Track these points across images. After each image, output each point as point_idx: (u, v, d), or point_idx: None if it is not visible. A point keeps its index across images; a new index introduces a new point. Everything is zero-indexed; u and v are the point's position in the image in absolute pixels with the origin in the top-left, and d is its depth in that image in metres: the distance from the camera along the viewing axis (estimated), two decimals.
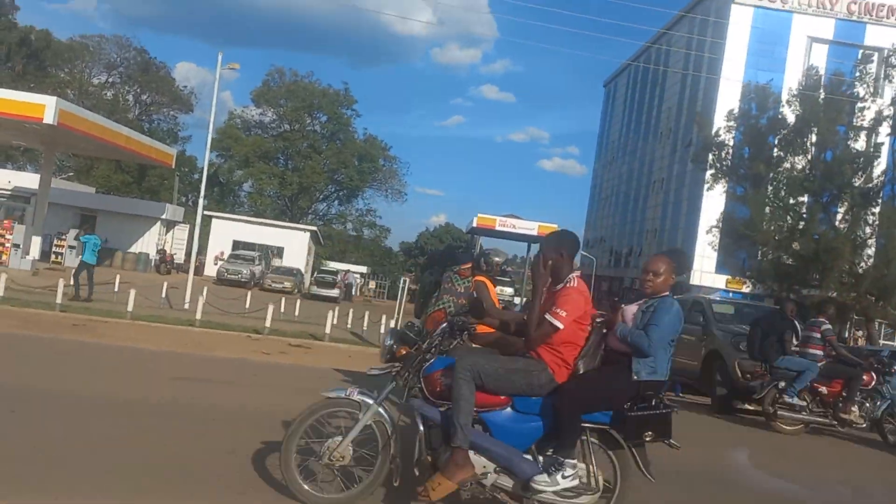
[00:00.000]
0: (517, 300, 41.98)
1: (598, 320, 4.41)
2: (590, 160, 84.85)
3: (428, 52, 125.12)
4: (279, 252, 42.64)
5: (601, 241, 69.66)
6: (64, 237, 29.99)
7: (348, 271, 44.82)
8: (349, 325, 19.48)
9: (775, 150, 25.63)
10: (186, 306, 16.97)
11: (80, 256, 16.67)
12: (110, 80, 59.89)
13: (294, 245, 43.36)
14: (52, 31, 59.20)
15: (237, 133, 61.25)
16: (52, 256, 29.05)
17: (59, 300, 13.71)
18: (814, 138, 24.66)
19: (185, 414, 6.50)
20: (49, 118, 20.36)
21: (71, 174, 49.81)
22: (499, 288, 42.57)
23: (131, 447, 5.17)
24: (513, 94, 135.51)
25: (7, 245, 23.63)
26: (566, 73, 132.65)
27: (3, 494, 3.90)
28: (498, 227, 38.86)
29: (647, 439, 4.20)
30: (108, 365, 8.76)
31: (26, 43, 51.74)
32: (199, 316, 14.47)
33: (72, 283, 15.54)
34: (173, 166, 34.43)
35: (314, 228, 47.99)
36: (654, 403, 4.22)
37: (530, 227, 38.77)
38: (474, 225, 39.55)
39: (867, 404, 9.79)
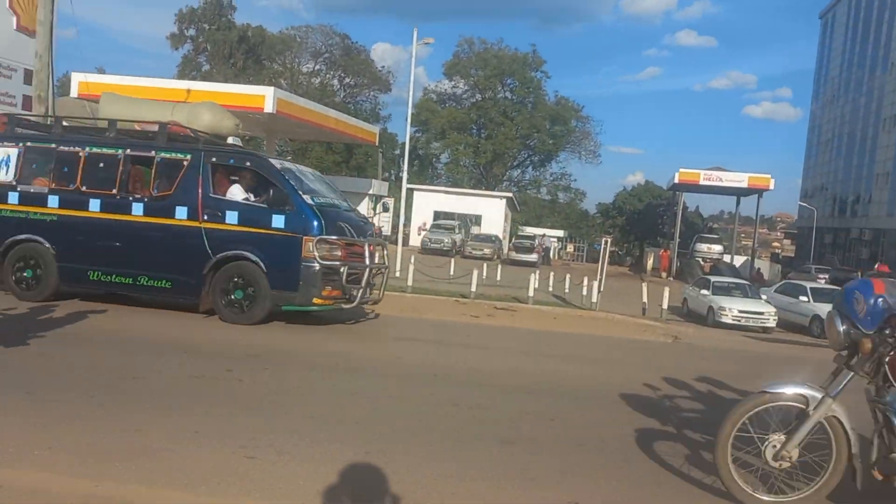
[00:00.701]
0: (727, 258, 39.65)
1: None
2: (805, 101, 77.45)
3: (617, 4, 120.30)
4: (477, 220, 43.65)
5: (822, 190, 63.53)
6: None
7: (545, 235, 44.85)
8: (550, 289, 19.55)
9: None
10: (398, 274, 17.97)
11: None
12: (317, 67, 64.26)
13: (491, 212, 44.15)
14: (266, 26, 64.54)
15: (433, 106, 63.14)
16: None
17: None
18: None
19: (421, 373, 6.96)
20: (269, 107, 22.30)
21: (289, 158, 54.36)
22: (706, 245, 40.24)
23: (383, 405, 5.65)
24: (713, 37, 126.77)
25: None
26: (773, 9, 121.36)
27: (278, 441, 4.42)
28: (702, 182, 36.80)
29: None
30: (345, 329, 9.54)
31: (244, 40, 57.06)
32: (409, 283, 15.28)
33: None
34: (377, 144, 36.35)
35: (510, 195, 48.49)
36: None
37: (739, 180, 36.29)
38: (676, 181, 37.75)
39: None
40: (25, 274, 9.15)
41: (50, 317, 8.07)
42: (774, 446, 3.87)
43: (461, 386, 6.49)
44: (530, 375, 7.35)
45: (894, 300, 3.73)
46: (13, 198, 9.37)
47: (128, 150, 9.29)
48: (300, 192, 8.75)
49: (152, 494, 3.55)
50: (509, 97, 64.42)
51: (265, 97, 22.45)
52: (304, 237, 8.47)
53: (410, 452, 4.43)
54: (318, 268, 8.45)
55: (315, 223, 8.53)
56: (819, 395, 3.84)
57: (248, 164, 9.17)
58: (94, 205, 9.13)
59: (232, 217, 8.76)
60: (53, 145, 9.51)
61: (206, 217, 8.76)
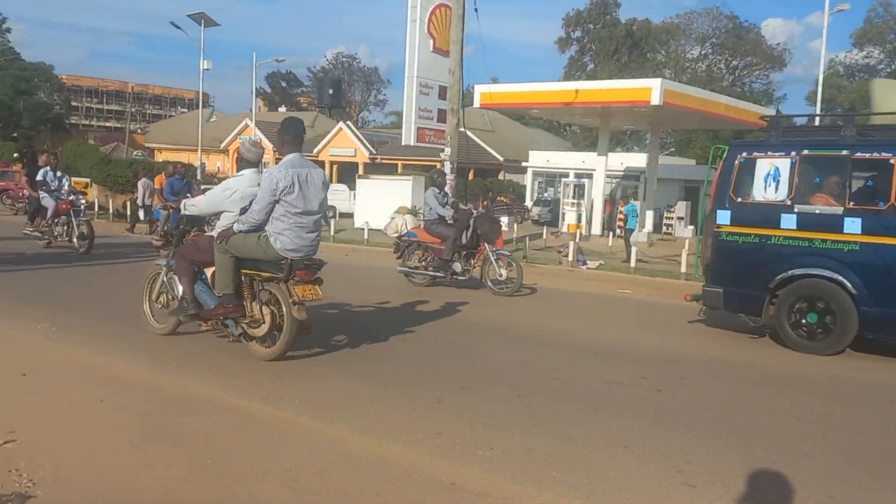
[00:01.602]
0: None
1: None
2: None
3: None
4: None
5: None
6: (672, 209, 31.87)
7: None
8: None
9: None
10: None
11: (626, 224, 18.84)
12: (703, 52, 61.38)
13: None
14: (650, 18, 63.77)
15: (839, 81, 55.65)
16: (664, 228, 31.15)
17: (682, 269, 14.40)
18: None
19: None
20: (655, 99, 21.67)
21: (672, 149, 52.86)
22: None
23: None
24: None
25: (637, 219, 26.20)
26: None
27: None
28: None
29: None
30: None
31: (630, 34, 57.13)
32: None
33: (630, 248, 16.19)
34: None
35: None
36: None
37: None
38: None
39: None
40: (808, 319, 7.28)
41: (471, 309, 8.73)
42: None
43: None
44: None
45: None
46: (789, 221, 7.36)
47: None
48: None
49: None
50: None
51: (651, 89, 21.88)
52: None
53: None
54: None
55: None
56: None
57: None
58: None
59: None
60: (846, 152, 7.20)
61: None
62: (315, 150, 46.99)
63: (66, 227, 12.94)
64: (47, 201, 13.05)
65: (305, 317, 5.65)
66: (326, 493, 3.46)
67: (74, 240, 12.79)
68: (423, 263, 10.74)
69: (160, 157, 46.36)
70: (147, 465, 3.70)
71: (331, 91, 64.44)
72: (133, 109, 64.66)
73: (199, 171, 31.21)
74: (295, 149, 5.77)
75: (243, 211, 5.71)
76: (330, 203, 32.98)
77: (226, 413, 4.54)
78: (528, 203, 36.38)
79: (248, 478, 3.58)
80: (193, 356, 5.88)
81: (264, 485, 3.51)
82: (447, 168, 17.06)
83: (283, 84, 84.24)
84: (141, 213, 20.14)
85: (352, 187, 38.52)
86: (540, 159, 39.14)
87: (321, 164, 46.98)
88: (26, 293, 8.47)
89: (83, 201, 13.57)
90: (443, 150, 17.51)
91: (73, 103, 73.50)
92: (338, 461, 3.83)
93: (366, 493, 3.46)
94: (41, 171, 13.27)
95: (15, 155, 40.65)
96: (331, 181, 40.33)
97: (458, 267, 10.40)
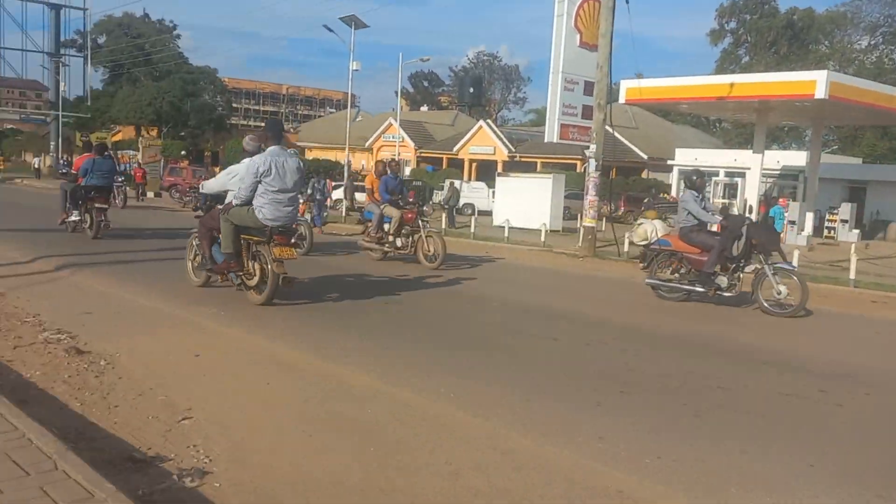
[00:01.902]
0: None
1: None
2: None
3: None
4: None
5: None
6: (835, 211, 29.51)
7: None
8: None
9: None
10: None
11: None
12: (872, 42, 56.43)
13: None
14: (813, 7, 59.51)
15: None
16: (825, 231, 28.92)
17: (851, 276, 13.23)
18: None
19: None
20: (820, 93, 20.06)
21: (835, 147, 49.03)
22: None
23: None
24: None
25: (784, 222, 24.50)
26: None
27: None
28: None
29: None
30: None
31: (790, 25, 53.51)
32: None
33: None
34: None
35: None
36: None
37: None
38: None
39: None
40: None
41: (622, 317, 8.43)
42: None
43: None
44: None
45: None
46: None
47: None
48: None
49: None
50: None
51: (816, 82, 20.26)
52: None
53: None
54: None
55: None
56: None
57: None
58: None
59: None
60: None
61: None
62: (455, 149, 47.61)
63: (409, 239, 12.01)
64: (389, 210, 11.97)
65: (284, 271, 7.23)
66: (488, 491, 3.37)
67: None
68: (678, 276, 9.64)
69: (310, 156, 48.64)
70: (315, 450, 3.77)
71: (471, 89, 64.83)
72: (286, 110, 68.33)
73: (346, 169, 32.41)
74: (275, 143, 7.37)
75: None
76: (468, 200, 33.30)
77: (383, 401, 4.57)
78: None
79: (410, 469, 3.56)
80: (352, 344, 6.04)
81: (426, 478, 3.47)
82: (591, 166, 16.65)
83: (426, 83, 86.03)
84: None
85: (491, 185, 38.62)
86: (687, 157, 37.46)
87: (461, 162, 47.56)
88: (182, 275, 9.04)
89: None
90: (587, 148, 17.10)
91: (234, 105, 78.79)
92: (498, 459, 3.73)
93: (530, 496, 3.33)
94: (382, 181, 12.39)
95: (182, 152, 44.16)
96: (469, 179, 40.93)
97: (722, 281, 9.18)
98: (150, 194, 31.33)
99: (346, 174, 31.82)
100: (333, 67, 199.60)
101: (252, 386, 4.79)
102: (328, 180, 32.60)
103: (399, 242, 11.95)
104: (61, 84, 45.90)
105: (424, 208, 12.26)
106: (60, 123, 45.82)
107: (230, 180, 7.67)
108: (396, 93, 39.31)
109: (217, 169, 40.69)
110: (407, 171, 46.18)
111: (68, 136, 46.66)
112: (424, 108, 64.69)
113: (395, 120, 40.33)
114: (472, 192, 36.81)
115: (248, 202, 7.21)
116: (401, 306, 8.21)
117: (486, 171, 45.08)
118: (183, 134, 48.13)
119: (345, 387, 4.87)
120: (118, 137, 51.13)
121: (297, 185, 7.38)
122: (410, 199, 12.34)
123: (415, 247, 11.93)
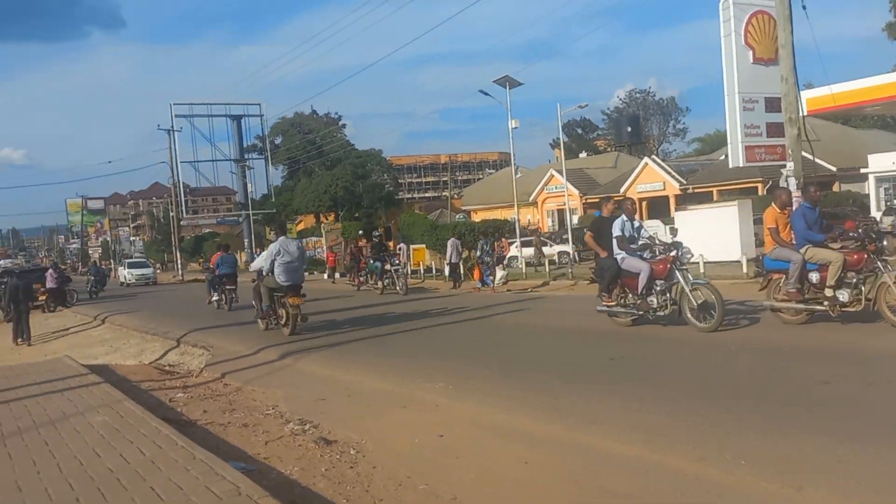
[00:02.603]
0: None
1: None
2: None
3: None
4: None
5: None
6: None
7: None
8: None
9: None
10: None
11: None
12: None
13: None
14: None
15: None
16: None
17: None
18: None
19: None
20: None
21: None
22: None
23: None
24: None
25: None
26: None
27: None
28: None
29: None
30: None
31: None
32: None
33: None
34: None
35: None
36: None
37: None
38: None
39: None
40: None
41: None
42: None
43: None
44: None
45: None
46: None
47: None
48: None
49: None
50: None
51: None
52: None
53: None
54: None
55: None
56: None
57: None
58: None
59: None
60: None
61: None
62: (621, 190, 46.40)
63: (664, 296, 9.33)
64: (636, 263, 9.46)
65: (298, 311, 11.02)
66: None
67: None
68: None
69: (476, 217, 49.45)
70: None
71: (629, 129, 63.72)
72: (447, 178, 70.55)
73: (516, 225, 32.42)
74: (281, 234, 11.99)
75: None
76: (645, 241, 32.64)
77: (660, 474, 4.06)
78: (877, 214, 31.47)
79: None
80: (600, 409, 5.56)
81: None
82: (792, 185, 15.24)
83: (579, 130, 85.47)
84: (446, 270, 22.10)
85: (666, 222, 37.15)
86: (884, 163, 33.79)
87: (629, 201, 46.02)
88: (400, 351, 9.06)
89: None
90: (784, 166, 15.75)
91: (399, 180, 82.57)
92: None
93: None
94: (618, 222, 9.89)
95: (360, 232, 46.43)
96: (640, 218, 39.49)
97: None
98: (337, 275, 33.12)
99: (517, 231, 31.80)
100: (484, 131, 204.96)
101: (510, 467, 4.48)
102: (501, 239, 32.78)
103: (845, 296, 7.95)
104: (248, 185, 50.35)
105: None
106: (251, 221, 50.08)
107: (265, 258, 11.48)
108: (554, 143, 39.06)
109: (392, 244, 42.93)
110: (575, 218, 45.66)
111: (259, 231, 50.79)
112: (584, 155, 64.01)
113: (562, 172, 39.78)
114: (646, 232, 35.61)
115: (270, 272, 11.18)
116: (644, 360, 7.51)
117: (657, 209, 43.45)
118: (357, 215, 50.80)
119: (612, 460, 4.41)
120: (301, 226, 54.93)
121: (298, 258, 11.38)
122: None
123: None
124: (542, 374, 7.07)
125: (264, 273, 11.36)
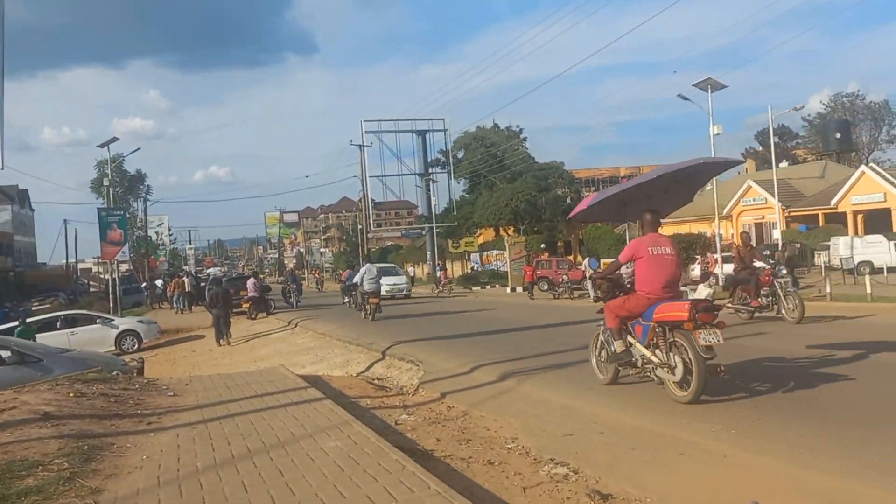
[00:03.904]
0: None
1: None
2: None
3: None
4: None
5: None
6: None
7: None
8: None
9: None
10: None
11: None
12: None
13: None
14: None
15: None
16: None
17: None
18: None
19: None
20: None
21: None
22: None
23: None
24: None
25: None
26: None
27: None
28: None
29: None
30: None
31: None
32: None
33: None
34: None
35: None
36: None
37: None
38: None
39: None
40: None
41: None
42: None
43: None
44: None
45: None
46: None
47: None
48: None
49: None
50: None
51: None
52: None
53: None
54: None
55: None
56: None
57: None
58: None
59: None
60: None
61: None
62: (832, 202, 41.73)
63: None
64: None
65: (377, 307, 18.74)
66: None
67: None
68: None
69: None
70: None
71: (838, 135, 57.66)
72: None
73: (717, 239, 29.86)
74: (368, 262, 21.71)
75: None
76: (863, 258, 29.39)
77: None
78: None
79: None
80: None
81: None
82: None
83: (776, 139, 78.94)
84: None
85: (891, 237, 32.96)
86: None
87: (841, 216, 41.19)
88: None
89: None
90: None
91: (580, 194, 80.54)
92: None
93: None
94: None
95: (542, 245, 45.36)
96: (856, 234, 35.17)
97: None
98: (519, 289, 32.44)
99: (717, 245, 29.23)
100: (662, 144, 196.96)
101: None
102: (708, 255, 30.30)
103: None
104: (433, 199, 51.04)
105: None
106: (435, 234, 50.67)
107: (360, 274, 19.37)
108: (747, 153, 35.66)
109: (570, 257, 41.94)
110: (776, 233, 41.73)
111: (440, 244, 51.30)
112: (784, 165, 58.58)
113: (765, 183, 36.37)
114: (866, 248, 32.00)
115: (360, 283, 18.95)
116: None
117: (877, 221, 38.71)
118: (537, 228, 49.71)
119: None
120: (481, 240, 54.80)
121: (377, 276, 19.07)
122: None
123: None
124: (855, 418, 5.59)
125: (357, 284, 19.72)
